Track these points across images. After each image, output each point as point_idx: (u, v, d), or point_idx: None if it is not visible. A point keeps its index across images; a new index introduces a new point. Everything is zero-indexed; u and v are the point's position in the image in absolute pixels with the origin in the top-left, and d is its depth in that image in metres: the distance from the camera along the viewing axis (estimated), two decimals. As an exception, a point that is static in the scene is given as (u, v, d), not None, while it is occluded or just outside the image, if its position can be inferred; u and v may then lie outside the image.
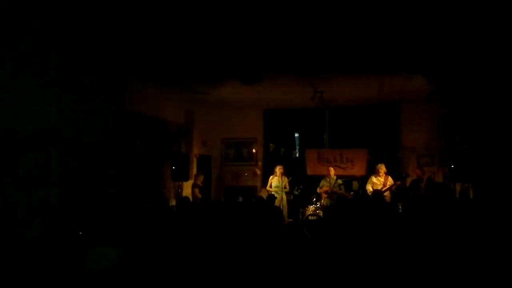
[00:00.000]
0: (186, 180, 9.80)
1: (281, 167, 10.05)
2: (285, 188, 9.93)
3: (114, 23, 5.53)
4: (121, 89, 7.23)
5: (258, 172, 11.51)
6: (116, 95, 7.17)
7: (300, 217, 9.89)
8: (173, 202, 8.75)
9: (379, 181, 9.34)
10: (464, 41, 6.17)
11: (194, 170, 10.88)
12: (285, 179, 10.02)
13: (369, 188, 9.30)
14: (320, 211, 9.36)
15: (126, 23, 5.54)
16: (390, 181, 9.37)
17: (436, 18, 5.37)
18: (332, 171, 10.10)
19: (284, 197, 9.92)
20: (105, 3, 4.89)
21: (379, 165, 9.56)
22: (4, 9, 4.82)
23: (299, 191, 10.37)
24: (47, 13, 5.07)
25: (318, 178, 10.47)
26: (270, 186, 9.98)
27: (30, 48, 5.84)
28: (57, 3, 4.80)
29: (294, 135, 12.34)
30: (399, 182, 9.52)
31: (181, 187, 9.78)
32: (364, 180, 10.05)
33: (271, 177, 10.13)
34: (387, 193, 9.22)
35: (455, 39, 6.10)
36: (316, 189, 10.19)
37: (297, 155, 12.06)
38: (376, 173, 9.46)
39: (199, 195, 9.90)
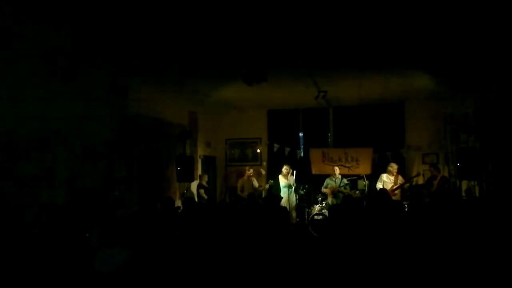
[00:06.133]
0: (191, 181, 9.82)
1: (288, 166, 10.10)
2: (291, 186, 9.98)
3: (118, 25, 5.53)
4: (125, 92, 7.25)
5: (263, 172, 11.52)
6: (120, 97, 7.19)
7: (306, 216, 9.90)
8: (178, 203, 8.78)
9: (390, 180, 9.38)
10: (470, 37, 6.13)
11: (199, 171, 10.91)
12: (292, 178, 10.07)
13: (380, 186, 9.32)
14: (325, 210, 9.38)
15: (130, 25, 5.54)
16: (401, 180, 9.42)
17: (441, 14, 5.34)
18: (337, 170, 10.13)
19: (293, 197, 9.96)
20: (107, 4, 4.89)
21: (392, 164, 9.63)
22: (7, 11, 4.84)
23: (305, 190, 10.38)
24: (49, 16, 5.09)
25: (323, 178, 10.47)
26: (282, 186, 10.07)
27: (34, 52, 5.89)
28: (59, 5, 4.80)
29: (298, 134, 12.32)
30: (410, 181, 9.56)
31: (188, 188, 9.81)
32: (369, 179, 10.05)
33: (279, 176, 10.20)
34: (397, 191, 9.26)
35: (460, 35, 6.07)
36: (321, 189, 10.21)
37: (302, 155, 12.04)
38: (388, 172, 9.48)
39: (205, 196, 9.93)
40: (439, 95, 9.84)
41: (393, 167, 9.47)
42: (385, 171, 9.62)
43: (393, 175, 9.41)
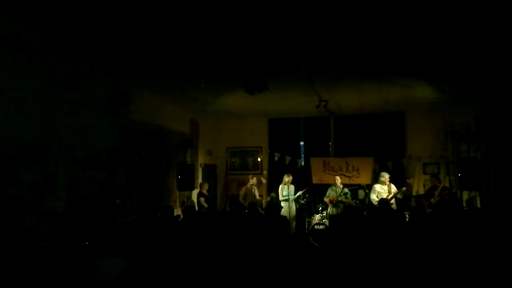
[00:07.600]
0: (192, 189, 9.81)
1: (290, 176, 10.09)
2: (293, 195, 9.95)
3: (120, 33, 5.56)
4: (126, 99, 7.26)
5: (264, 181, 11.50)
6: (122, 105, 7.20)
7: (306, 226, 9.87)
8: (179, 212, 8.76)
9: (384, 190, 9.33)
10: (470, 47, 6.15)
11: (200, 179, 10.90)
12: (292, 188, 10.04)
13: (374, 197, 9.27)
14: (326, 220, 9.34)
15: (133, 32, 5.56)
16: (394, 189, 9.37)
17: (443, 25, 5.36)
18: (338, 180, 10.10)
19: (293, 206, 9.93)
20: (108, 12, 4.91)
21: (383, 173, 9.58)
22: (7, 16, 4.86)
23: (305, 200, 10.36)
24: (52, 23, 5.11)
25: (324, 187, 10.44)
26: (283, 196, 10.05)
27: (35, 60, 5.90)
28: (61, 11, 4.82)
29: (299, 143, 12.32)
30: (404, 189, 9.53)
31: (188, 197, 9.80)
32: (369, 188, 10.03)
33: (280, 186, 10.16)
34: (393, 201, 9.23)
35: (461, 46, 6.09)
36: (321, 198, 10.18)
37: (303, 164, 12.03)
38: (381, 182, 9.44)
39: (205, 204, 9.91)
40: (440, 105, 9.85)
41: (385, 176, 9.43)
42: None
43: (385, 184, 9.38)
